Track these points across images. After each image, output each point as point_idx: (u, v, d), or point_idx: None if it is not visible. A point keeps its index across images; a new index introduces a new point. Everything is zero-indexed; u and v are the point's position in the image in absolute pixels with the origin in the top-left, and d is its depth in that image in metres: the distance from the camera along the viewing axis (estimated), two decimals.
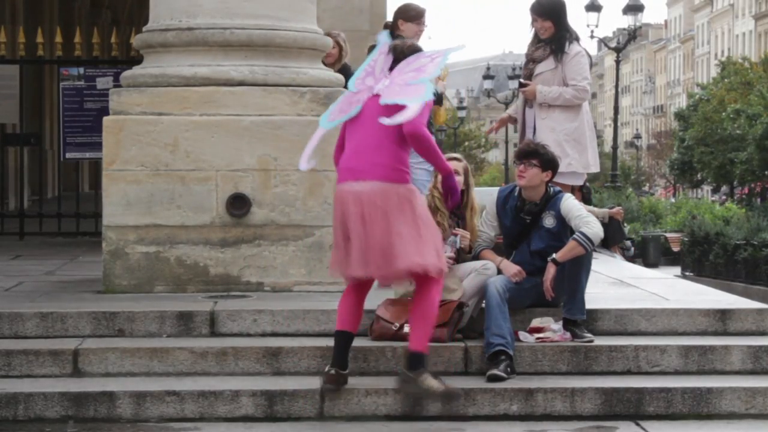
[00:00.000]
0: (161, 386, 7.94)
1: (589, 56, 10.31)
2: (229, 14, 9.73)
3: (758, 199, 55.48)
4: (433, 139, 7.86)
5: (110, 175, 9.55)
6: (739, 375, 8.36)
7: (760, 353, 8.45)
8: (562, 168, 9.85)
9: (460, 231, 8.64)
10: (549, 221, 8.69)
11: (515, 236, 8.80)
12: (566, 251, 8.47)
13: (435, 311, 7.73)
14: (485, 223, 8.81)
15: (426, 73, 7.64)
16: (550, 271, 8.48)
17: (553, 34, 10.05)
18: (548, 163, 8.65)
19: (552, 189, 8.78)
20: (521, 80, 10.26)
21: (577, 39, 10.11)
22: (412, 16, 11.05)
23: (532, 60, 10.14)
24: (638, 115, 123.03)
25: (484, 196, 9.17)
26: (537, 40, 10.16)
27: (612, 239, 12.32)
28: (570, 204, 8.67)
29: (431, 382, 7.59)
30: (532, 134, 10.10)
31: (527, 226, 8.74)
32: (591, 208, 12.24)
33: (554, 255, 8.49)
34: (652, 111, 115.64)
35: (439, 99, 8.27)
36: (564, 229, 8.67)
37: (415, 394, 7.70)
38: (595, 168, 10.21)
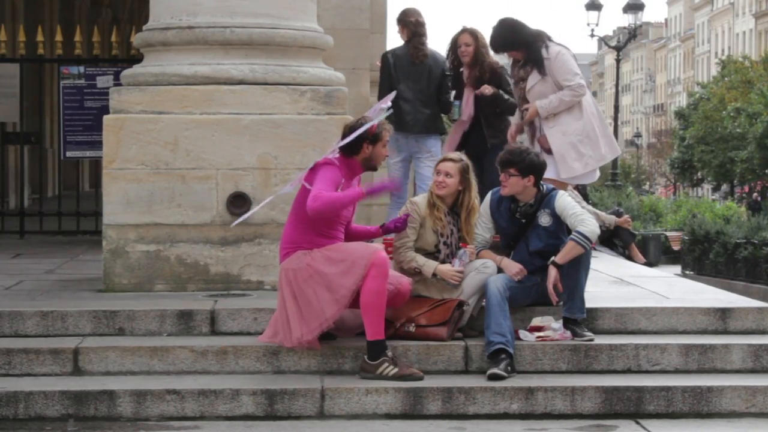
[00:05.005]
0: (162, 385, 7.94)
1: (568, 49, 10.15)
2: (229, 13, 9.73)
3: (758, 198, 55.43)
4: (330, 197, 8.04)
5: (110, 173, 9.55)
6: (739, 374, 8.36)
7: (760, 352, 8.45)
8: (579, 170, 9.80)
9: (469, 247, 8.63)
10: (545, 219, 8.68)
11: (512, 236, 8.79)
12: (565, 252, 8.46)
13: (377, 299, 7.96)
14: (480, 225, 8.79)
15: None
16: (552, 274, 8.47)
17: (525, 56, 9.92)
18: (527, 169, 8.60)
19: (545, 187, 8.76)
20: (520, 109, 10.05)
21: (549, 39, 9.95)
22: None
23: (520, 79, 9.94)
24: (638, 113, 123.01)
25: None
26: (515, 61, 10.06)
27: (626, 242, 12.35)
28: (564, 202, 8.66)
29: (386, 370, 7.98)
30: (536, 140, 9.95)
31: (523, 226, 8.74)
32: (598, 211, 12.27)
33: (554, 258, 8.48)
34: (653, 110, 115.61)
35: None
36: (560, 227, 8.67)
37: (372, 379, 8.02)
38: (612, 154, 10.05)
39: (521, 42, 9.84)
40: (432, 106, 11.19)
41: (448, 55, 11.08)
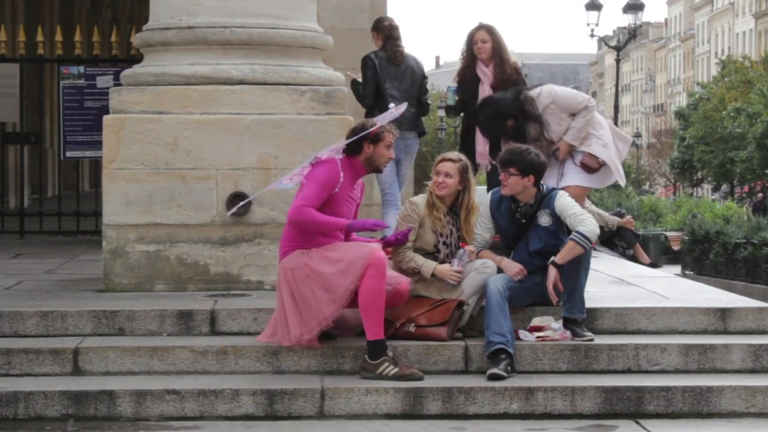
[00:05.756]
0: (161, 385, 7.94)
1: (546, 84, 10.23)
2: (229, 13, 9.73)
3: (762, 198, 55.38)
4: (313, 217, 8.08)
5: (110, 173, 9.55)
6: (739, 374, 8.36)
7: (760, 352, 8.45)
8: (621, 170, 9.91)
9: (468, 247, 8.63)
10: (545, 220, 8.69)
11: (512, 236, 8.79)
12: (565, 252, 8.46)
13: (376, 299, 7.95)
14: (480, 225, 8.80)
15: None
16: (552, 274, 8.47)
17: (516, 123, 9.84)
18: (527, 168, 8.61)
19: (545, 187, 8.77)
20: (554, 155, 9.92)
21: (526, 88, 9.95)
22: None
23: (534, 141, 9.74)
24: (638, 113, 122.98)
25: (481, 195, 9.19)
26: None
27: (629, 243, 12.38)
28: (564, 202, 8.66)
29: (386, 370, 7.97)
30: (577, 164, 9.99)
31: (523, 226, 8.74)
32: (601, 212, 12.28)
33: (554, 258, 8.48)
34: (653, 110, 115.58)
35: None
36: (560, 227, 8.67)
37: (372, 378, 8.01)
38: (625, 146, 10.28)
39: (509, 113, 9.82)
40: (414, 106, 11.54)
41: (463, 51, 11.11)
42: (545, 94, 9.86)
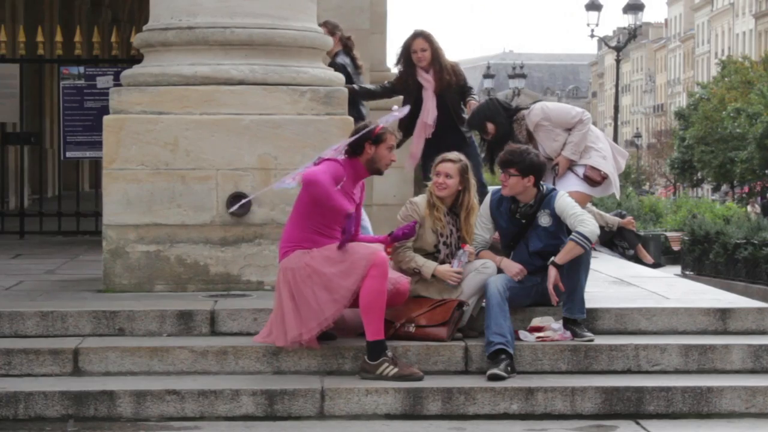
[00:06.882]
0: (161, 385, 7.94)
1: (537, 101, 10.27)
2: (229, 13, 9.74)
3: (758, 198, 55.45)
4: (328, 188, 8.00)
5: (110, 174, 9.56)
6: (739, 374, 8.37)
7: (760, 352, 8.46)
8: (617, 182, 9.97)
9: (468, 247, 8.63)
10: (545, 220, 8.69)
11: (512, 237, 8.79)
12: (565, 252, 8.46)
13: (377, 299, 7.94)
14: (480, 225, 8.80)
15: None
16: (552, 274, 8.47)
17: (497, 132, 9.90)
18: (527, 169, 8.61)
19: (545, 187, 8.77)
20: (553, 171, 9.92)
21: (518, 109, 9.99)
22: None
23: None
24: (638, 114, 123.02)
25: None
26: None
27: (631, 244, 12.42)
28: (564, 202, 8.66)
29: (386, 370, 7.97)
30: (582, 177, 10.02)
31: (523, 227, 8.74)
32: (602, 213, 12.31)
33: (554, 258, 8.48)
34: (653, 110, 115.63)
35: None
36: (560, 227, 8.67)
37: (372, 379, 8.00)
38: (623, 159, 10.32)
39: (498, 120, 9.88)
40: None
41: (399, 59, 11.07)
42: (536, 111, 9.89)
